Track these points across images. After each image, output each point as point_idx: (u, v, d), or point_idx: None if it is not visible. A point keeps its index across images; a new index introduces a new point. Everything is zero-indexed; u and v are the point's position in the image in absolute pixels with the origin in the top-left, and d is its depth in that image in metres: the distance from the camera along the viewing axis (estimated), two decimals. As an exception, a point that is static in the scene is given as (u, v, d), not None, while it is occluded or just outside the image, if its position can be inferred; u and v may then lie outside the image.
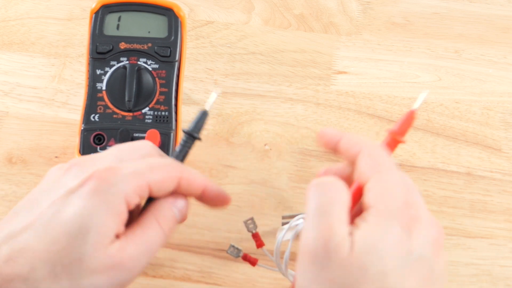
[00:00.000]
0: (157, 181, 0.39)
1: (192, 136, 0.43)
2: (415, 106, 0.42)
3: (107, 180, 0.37)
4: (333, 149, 0.42)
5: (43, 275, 0.36)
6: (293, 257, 0.52)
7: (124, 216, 0.38)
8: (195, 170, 0.42)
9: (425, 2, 0.73)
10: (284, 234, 0.50)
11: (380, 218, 0.36)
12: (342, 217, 0.37)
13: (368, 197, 0.37)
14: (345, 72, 0.66)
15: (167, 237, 0.40)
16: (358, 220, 0.37)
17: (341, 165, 0.42)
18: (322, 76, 0.65)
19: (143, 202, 0.41)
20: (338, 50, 0.68)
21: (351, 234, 0.36)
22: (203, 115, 0.44)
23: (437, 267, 0.36)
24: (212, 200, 0.43)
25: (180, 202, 0.41)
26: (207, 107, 0.44)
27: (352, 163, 0.40)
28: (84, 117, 0.55)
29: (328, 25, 0.70)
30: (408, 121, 0.42)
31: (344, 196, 0.38)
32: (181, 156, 0.43)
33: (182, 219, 0.41)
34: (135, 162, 0.39)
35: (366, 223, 0.36)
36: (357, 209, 0.40)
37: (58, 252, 0.36)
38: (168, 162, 0.40)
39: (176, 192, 0.41)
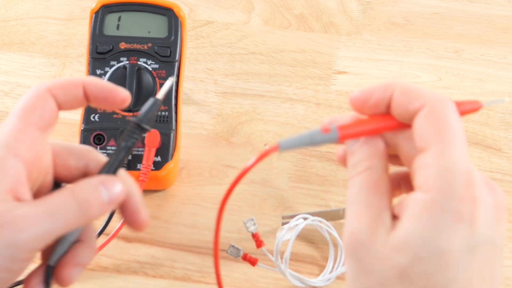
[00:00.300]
0: (57, 85, 0.36)
1: (140, 126, 0.37)
2: (485, 103, 0.33)
3: None
4: (381, 107, 0.34)
5: None
6: (292, 257, 0.52)
7: (18, 175, 0.34)
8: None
9: (425, 2, 0.73)
10: (284, 234, 0.50)
11: (437, 212, 0.29)
12: (382, 204, 0.32)
13: (423, 176, 0.30)
14: (345, 72, 0.66)
15: (84, 215, 0.34)
16: (403, 204, 0.31)
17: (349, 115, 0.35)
18: (322, 76, 0.65)
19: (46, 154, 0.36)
20: (338, 50, 0.68)
21: (393, 225, 0.31)
22: (154, 104, 0.37)
23: (499, 239, 0.31)
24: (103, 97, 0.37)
25: (111, 182, 0.36)
26: (159, 96, 0.37)
27: (402, 123, 0.33)
28: (84, 117, 0.55)
29: (328, 25, 0.70)
30: (474, 107, 0.33)
31: (386, 177, 0.32)
32: (127, 149, 0.37)
33: (112, 201, 0.36)
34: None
35: (415, 217, 0.30)
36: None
37: None
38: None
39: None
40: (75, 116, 0.60)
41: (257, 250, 0.50)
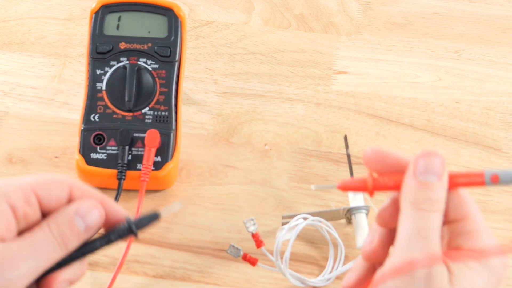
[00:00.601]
0: (43, 186, 0.37)
1: (130, 229, 0.37)
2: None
3: None
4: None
5: None
6: (292, 257, 0.52)
7: (8, 219, 0.36)
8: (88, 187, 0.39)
9: (425, 2, 0.73)
10: (284, 234, 0.50)
11: (483, 269, 0.35)
12: (439, 246, 0.36)
13: (463, 239, 0.36)
14: (345, 72, 0.66)
15: (62, 247, 0.36)
16: (455, 256, 0.36)
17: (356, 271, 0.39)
18: (322, 76, 0.65)
19: (34, 212, 0.37)
20: (338, 50, 0.68)
21: (447, 266, 0.35)
22: (155, 219, 0.38)
23: None
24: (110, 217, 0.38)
25: (84, 206, 0.37)
26: (162, 212, 0.38)
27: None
28: (84, 117, 0.55)
29: (328, 25, 0.70)
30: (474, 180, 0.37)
31: (440, 221, 0.36)
32: (107, 239, 0.37)
33: (89, 229, 0.37)
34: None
35: (468, 267, 0.35)
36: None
37: None
38: (57, 174, 0.39)
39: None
40: (75, 116, 0.60)
41: (257, 250, 0.50)
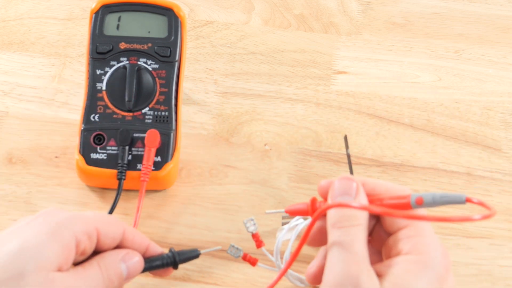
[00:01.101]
0: (104, 224, 0.41)
1: (174, 259, 0.45)
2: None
3: (57, 215, 0.39)
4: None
5: None
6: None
7: (71, 252, 0.39)
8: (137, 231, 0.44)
9: (425, 2, 0.73)
10: (284, 234, 0.50)
11: (419, 267, 0.37)
12: (366, 252, 0.37)
13: (403, 243, 0.38)
14: (345, 72, 0.66)
15: (107, 283, 0.41)
16: (393, 263, 0.37)
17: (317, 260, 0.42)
18: (322, 76, 0.65)
19: (90, 248, 0.41)
20: (338, 50, 0.68)
21: (380, 274, 0.37)
22: (195, 256, 0.46)
23: None
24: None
25: (130, 257, 0.42)
26: (202, 251, 0.46)
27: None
28: (84, 117, 0.55)
29: (328, 25, 0.70)
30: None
31: (365, 232, 0.38)
32: (158, 262, 0.44)
33: (130, 276, 0.42)
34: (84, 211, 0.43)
35: (405, 271, 0.37)
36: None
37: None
38: (113, 216, 0.44)
39: (124, 246, 0.43)
40: (75, 116, 0.60)
41: (257, 250, 0.50)
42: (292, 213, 0.43)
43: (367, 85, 0.65)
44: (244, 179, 0.57)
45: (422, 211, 0.39)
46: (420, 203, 0.37)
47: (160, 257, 0.44)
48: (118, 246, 0.43)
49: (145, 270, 0.44)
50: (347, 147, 0.57)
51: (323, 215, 0.41)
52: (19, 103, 0.62)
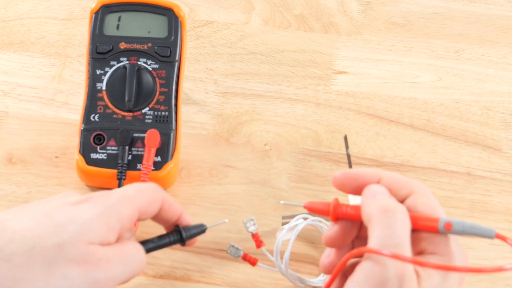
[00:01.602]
0: (145, 204, 0.42)
1: (180, 234, 0.45)
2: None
3: (106, 200, 0.41)
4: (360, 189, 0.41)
5: (19, 250, 0.37)
6: (292, 257, 0.52)
7: (114, 233, 0.40)
8: (173, 198, 0.45)
9: (425, 2, 0.73)
10: (284, 234, 0.50)
11: (453, 273, 0.37)
12: (410, 250, 0.37)
13: (426, 243, 0.38)
14: (345, 72, 0.66)
15: (145, 259, 0.42)
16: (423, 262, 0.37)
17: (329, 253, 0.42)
18: (322, 76, 0.65)
19: (130, 226, 0.43)
20: (338, 50, 0.68)
21: (416, 272, 0.37)
22: (201, 230, 0.46)
23: None
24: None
25: None
26: (209, 225, 0.46)
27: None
28: (84, 117, 0.55)
29: (328, 25, 0.70)
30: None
31: (409, 228, 0.38)
32: (158, 245, 0.45)
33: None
34: (125, 186, 0.43)
35: (437, 271, 0.37)
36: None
37: (42, 235, 0.37)
38: (154, 186, 0.44)
39: (160, 215, 0.44)
40: (75, 116, 0.60)
41: (257, 250, 0.50)
42: (311, 210, 0.43)
43: (367, 85, 0.65)
44: (244, 179, 0.57)
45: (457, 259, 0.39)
46: (448, 228, 0.38)
47: (167, 235, 0.45)
48: (154, 217, 0.44)
49: (152, 249, 0.44)
50: (347, 147, 0.57)
51: (344, 219, 0.41)
52: (19, 103, 0.62)
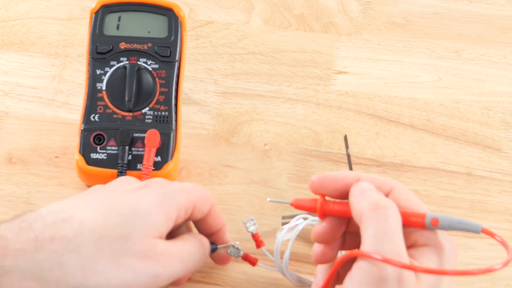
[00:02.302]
0: (199, 200, 0.44)
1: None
2: None
3: (165, 187, 0.42)
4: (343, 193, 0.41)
5: (87, 241, 0.38)
6: (292, 257, 0.52)
7: (171, 222, 0.41)
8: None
9: (425, 2, 0.73)
10: (284, 234, 0.50)
11: (440, 259, 0.38)
12: (404, 246, 0.38)
13: (416, 235, 0.39)
14: (345, 72, 0.66)
15: (202, 260, 0.44)
16: (416, 255, 0.38)
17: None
18: (322, 76, 0.65)
19: (184, 221, 0.45)
20: (338, 50, 0.68)
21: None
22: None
23: None
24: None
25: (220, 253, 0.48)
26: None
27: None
28: (84, 117, 0.55)
29: (328, 25, 0.70)
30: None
31: (401, 222, 0.38)
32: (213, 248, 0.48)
33: (222, 261, 0.48)
34: (184, 182, 0.45)
35: (432, 262, 0.38)
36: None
37: (108, 227, 0.38)
38: (207, 189, 0.46)
39: (206, 221, 0.46)
40: (75, 116, 0.60)
41: (257, 250, 0.50)
42: (298, 207, 0.43)
43: (367, 85, 0.65)
44: (244, 179, 0.57)
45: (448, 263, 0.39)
46: (435, 224, 0.38)
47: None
48: (202, 219, 0.46)
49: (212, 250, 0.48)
50: (347, 147, 0.57)
51: (331, 215, 0.42)
52: (19, 103, 0.62)
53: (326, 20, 0.70)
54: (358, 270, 0.37)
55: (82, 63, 0.65)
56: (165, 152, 0.54)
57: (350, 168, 0.57)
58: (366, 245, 0.37)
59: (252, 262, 0.50)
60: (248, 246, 0.51)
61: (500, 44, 0.69)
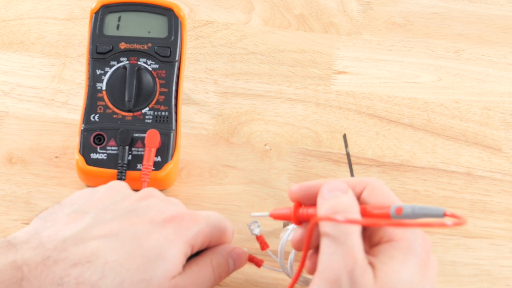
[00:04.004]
0: (215, 238, 0.45)
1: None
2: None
3: (187, 225, 0.42)
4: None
5: (111, 286, 0.38)
6: (297, 258, 0.52)
7: (187, 257, 0.42)
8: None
9: (425, 2, 0.73)
10: (289, 235, 0.50)
11: (403, 253, 0.38)
12: (361, 246, 0.38)
13: (383, 231, 0.39)
14: (345, 72, 0.66)
15: (216, 282, 0.44)
16: (377, 252, 0.39)
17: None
18: (322, 76, 0.65)
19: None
20: (338, 50, 0.68)
21: (371, 264, 0.38)
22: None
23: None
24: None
25: (237, 252, 0.46)
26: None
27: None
28: (84, 117, 0.55)
29: (328, 25, 0.70)
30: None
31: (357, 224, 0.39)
32: None
33: (235, 269, 0.46)
34: (206, 212, 0.45)
35: (390, 258, 0.38)
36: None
37: (131, 269, 0.39)
38: (230, 225, 0.47)
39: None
40: (75, 116, 0.60)
41: (257, 251, 0.50)
42: (276, 217, 0.45)
43: (367, 85, 0.65)
44: (244, 179, 0.58)
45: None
46: (399, 213, 0.38)
47: None
48: None
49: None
50: (346, 145, 0.57)
51: (306, 221, 0.43)
52: (19, 103, 0.62)
53: (326, 20, 0.70)
54: (317, 275, 0.39)
55: (82, 63, 0.65)
56: (165, 152, 0.54)
57: (350, 167, 0.57)
58: (321, 248, 0.39)
59: (258, 263, 0.50)
60: (248, 247, 0.51)
61: (500, 44, 0.69)
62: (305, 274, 0.51)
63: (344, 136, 0.58)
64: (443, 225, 0.36)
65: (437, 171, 0.59)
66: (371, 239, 0.40)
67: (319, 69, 0.66)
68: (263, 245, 0.50)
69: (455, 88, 0.65)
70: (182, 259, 0.41)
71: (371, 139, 0.61)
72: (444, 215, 0.38)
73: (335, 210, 0.39)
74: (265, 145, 0.60)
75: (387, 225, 0.38)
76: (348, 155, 0.57)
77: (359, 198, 0.41)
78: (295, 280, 0.44)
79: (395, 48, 0.68)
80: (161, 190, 0.56)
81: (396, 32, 0.70)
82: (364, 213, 0.40)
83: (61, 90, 0.63)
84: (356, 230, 0.39)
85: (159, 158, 0.54)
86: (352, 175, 0.56)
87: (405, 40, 0.69)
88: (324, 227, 0.39)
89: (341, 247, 0.38)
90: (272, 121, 0.62)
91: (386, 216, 0.39)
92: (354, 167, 0.58)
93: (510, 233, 0.55)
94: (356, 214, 0.40)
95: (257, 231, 0.50)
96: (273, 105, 0.63)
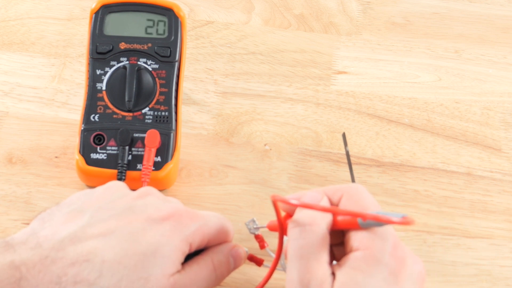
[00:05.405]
0: (214, 238, 0.44)
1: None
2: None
3: (185, 222, 0.42)
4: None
5: (108, 284, 0.38)
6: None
7: (185, 254, 0.42)
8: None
9: (425, 2, 0.73)
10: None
11: (367, 263, 0.37)
12: (322, 258, 0.38)
13: (353, 240, 0.39)
14: (345, 72, 0.66)
15: (217, 280, 0.44)
16: (343, 262, 0.38)
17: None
18: (322, 76, 0.65)
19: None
20: (338, 50, 0.68)
21: (333, 274, 0.38)
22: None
23: None
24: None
25: (237, 250, 0.46)
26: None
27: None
28: (84, 117, 0.55)
29: (328, 25, 0.70)
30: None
31: (323, 235, 0.39)
32: None
33: (235, 268, 0.46)
34: (206, 212, 0.45)
35: (352, 269, 0.37)
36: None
37: (128, 267, 0.39)
38: (226, 222, 0.46)
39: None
40: (75, 116, 0.60)
41: (258, 251, 0.50)
42: (271, 229, 0.46)
43: (367, 85, 0.65)
44: (244, 179, 0.58)
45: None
46: (364, 219, 0.38)
47: None
48: None
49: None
50: (345, 144, 0.57)
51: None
52: (19, 103, 0.62)
53: (326, 20, 0.70)
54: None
55: (82, 63, 0.65)
56: (165, 152, 0.54)
57: (350, 166, 0.56)
58: (288, 260, 0.39)
59: (258, 262, 0.50)
60: (248, 246, 0.51)
61: (500, 44, 0.69)
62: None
63: (343, 135, 0.58)
64: (377, 219, 0.36)
65: (437, 171, 0.59)
66: (345, 249, 0.40)
67: (319, 69, 0.66)
68: (262, 244, 0.50)
69: (455, 88, 0.65)
70: (179, 256, 0.41)
71: (371, 139, 0.61)
72: (402, 219, 0.36)
73: (295, 223, 0.40)
74: (265, 145, 0.60)
75: (320, 209, 0.39)
76: (347, 154, 0.57)
77: (337, 206, 0.42)
78: (271, 273, 0.45)
79: (395, 48, 0.68)
80: (161, 190, 0.56)
81: (396, 32, 0.70)
82: (335, 221, 0.40)
83: (61, 90, 0.63)
84: (318, 242, 0.38)
85: (159, 158, 0.54)
86: (351, 174, 0.56)
87: (405, 40, 0.69)
88: (289, 239, 0.40)
89: (300, 261, 0.38)
90: (272, 121, 0.62)
91: (354, 225, 0.39)
92: (354, 167, 0.58)
93: (510, 233, 0.55)
94: (320, 218, 0.40)
95: (255, 230, 0.50)
96: (273, 105, 0.63)
